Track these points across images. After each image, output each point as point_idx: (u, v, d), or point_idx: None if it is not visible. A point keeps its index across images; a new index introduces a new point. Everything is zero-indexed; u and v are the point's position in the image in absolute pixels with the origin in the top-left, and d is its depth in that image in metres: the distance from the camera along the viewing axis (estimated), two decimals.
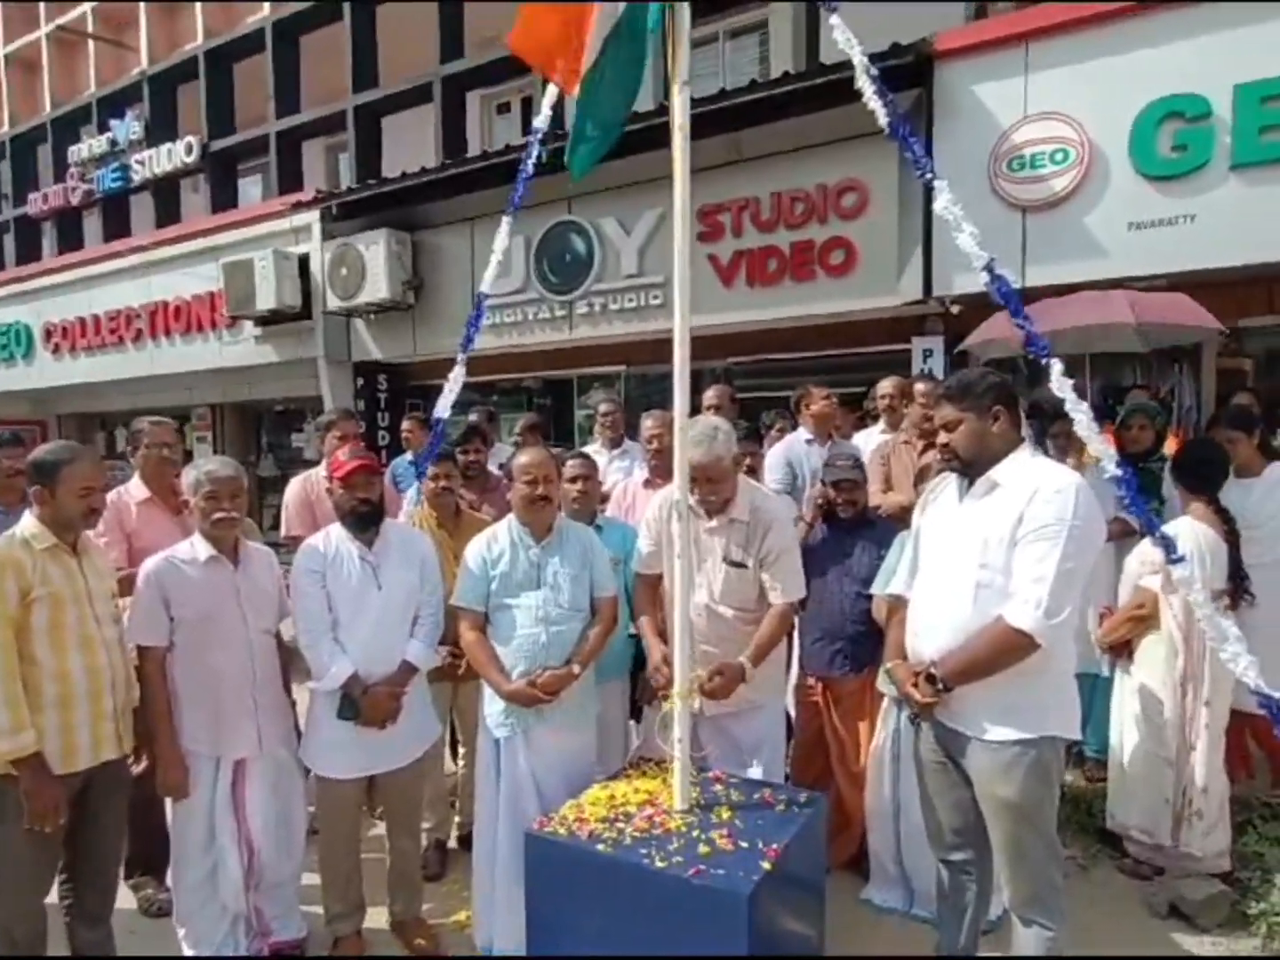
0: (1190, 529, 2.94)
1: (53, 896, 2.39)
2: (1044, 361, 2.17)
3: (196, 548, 2.55)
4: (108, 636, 2.37)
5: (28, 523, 2.29)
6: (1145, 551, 3.00)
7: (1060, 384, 2.13)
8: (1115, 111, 4.71)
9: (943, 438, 2.14)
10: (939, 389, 2.20)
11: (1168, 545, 2.25)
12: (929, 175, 2.25)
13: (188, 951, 2.56)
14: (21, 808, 2.17)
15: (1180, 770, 2.94)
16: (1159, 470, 3.91)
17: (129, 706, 2.45)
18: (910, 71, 5.11)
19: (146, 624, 2.48)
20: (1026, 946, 2.12)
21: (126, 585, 2.61)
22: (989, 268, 2.20)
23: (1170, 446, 4.14)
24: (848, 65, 2.37)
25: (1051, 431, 3.70)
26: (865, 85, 2.28)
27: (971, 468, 2.12)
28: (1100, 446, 2.16)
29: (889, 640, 2.41)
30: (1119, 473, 2.15)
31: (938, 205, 2.23)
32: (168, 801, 2.61)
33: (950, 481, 2.28)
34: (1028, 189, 4.95)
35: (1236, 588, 3.11)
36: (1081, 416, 2.12)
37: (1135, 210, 4.72)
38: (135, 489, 3.11)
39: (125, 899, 2.92)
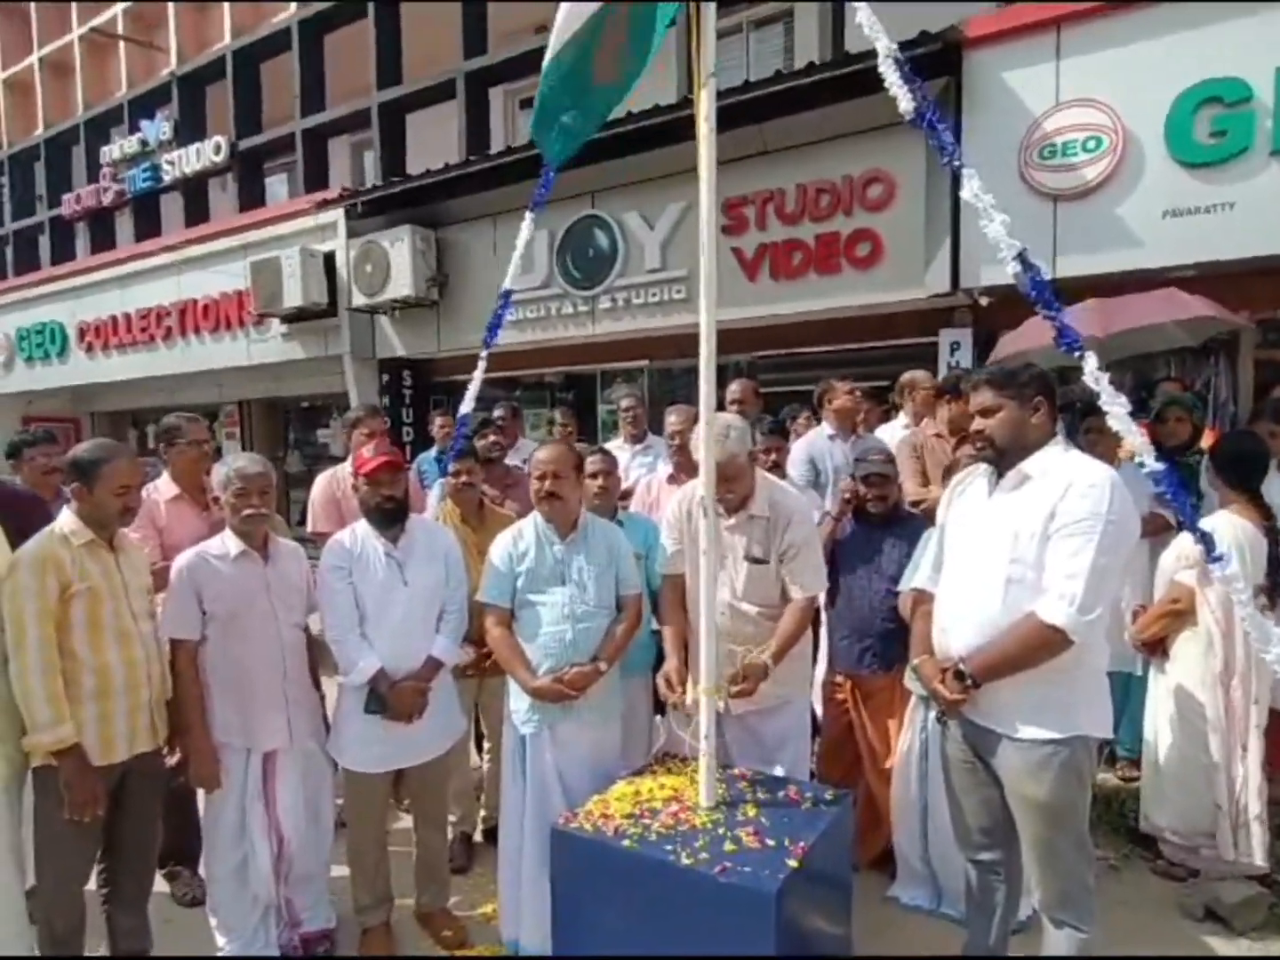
0: (1229, 523, 2.87)
1: (91, 884, 2.45)
2: (1077, 355, 2.12)
3: (227, 543, 2.59)
4: (144, 631, 2.42)
5: (66, 519, 2.34)
6: (1182, 547, 2.93)
7: (1095, 377, 2.08)
8: (1151, 97, 4.60)
9: (978, 423, 2.11)
10: (981, 374, 2.17)
11: (1208, 542, 2.19)
12: (956, 161, 2.20)
13: (219, 940, 2.61)
14: (62, 798, 2.22)
15: (1230, 773, 2.85)
16: (1196, 465, 3.82)
17: (163, 699, 2.50)
18: (938, 60, 5.03)
19: (180, 618, 2.52)
20: (1058, 948, 2.09)
21: (161, 579, 2.66)
22: (1020, 257, 2.15)
23: (1207, 441, 4.04)
24: (874, 54, 2.32)
25: (1084, 427, 3.64)
26: (888, 71, 2.24)
27: (1004, 457, 2.09)
28: (1138, 441, 2.11)
29: (914, 635, 2.38)
30: (1158, 467, 2.09)
31: (965, 192, 2.18)
32: (200, 793, 2.65)
33: (977, 476, 2.25)
34: (1059, 178, 4.86)
35: (1275, 584, 3.03)
36: (1118, 410, 2.07)
37: (1171, 198, 4.61)
38: (165, 486, 3.15)
39: (160, 888, 2.97)
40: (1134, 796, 3.26)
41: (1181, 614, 2.98)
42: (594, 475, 3.03)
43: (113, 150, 12.28)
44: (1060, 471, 1.99)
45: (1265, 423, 3.37)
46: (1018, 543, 2.00)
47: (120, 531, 2.46)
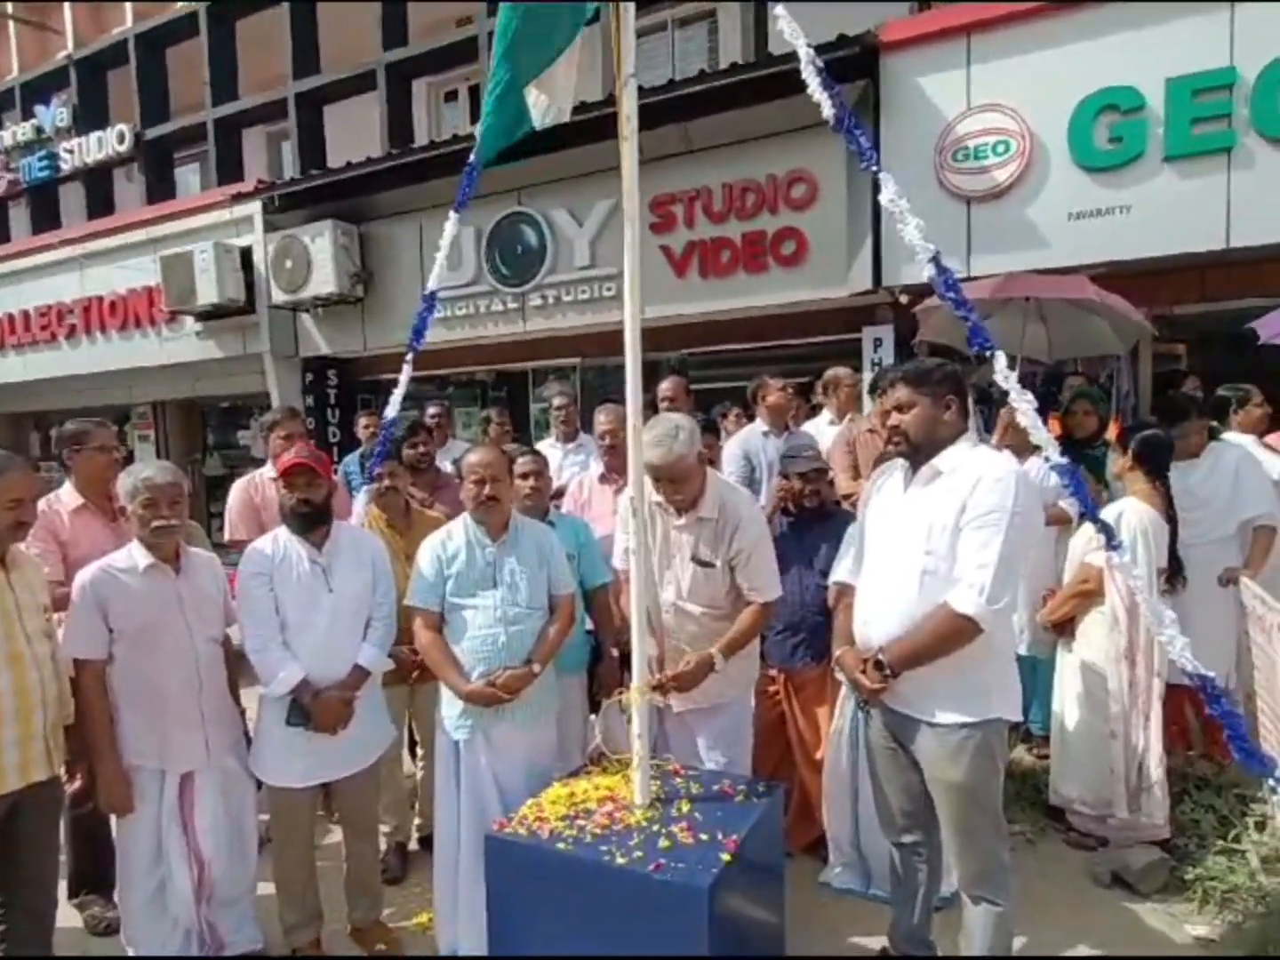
0: (1135, 509, 3.06)
1: None
2: (988, 354, 2.21)
3: (135, 556, 2.46)
4: (38, 653, 2.27)
5: None
6: (1090, 531, 3.10)
7: (1004, 375, 2.18)
8: (1054, 103, 4.83)
9: (894, 419, 2.18)
10: (896, 371, 2.24)
11: (1107, 531, 2.32)
12: (874, 168, 2.26)
13: None
14: None
15: (1130, 742, 3.03)
16: (1102, 455, 4.05)
17: (60, 724, 2.36)
18: (857, 63, 5.16)
19: (83, 637, 2.39)
20: (976, 922, 2.19)
21: (63, 601, 2.51)
22: (935, 259, 2.23)
23: (1111, 432, 4.27)
24: (794, 56, 2.37)
25: (1000, 420, 3.81)
26: (810, 77, 2.28)
27: (918, 452, 2.16)
28: (1043, 435, 2.22)
29: (836, 627, 2.45)
30: (1062, 461, 2.21)
31: (883, 198, 2.24)
32: (113, 818, 2.52)
33: (894, 471, 2.32)
34: (971, 180, 5.05)
35: (1175, 568, 3.24)
36: (1025, 406, 2.17)
37: (1074, 201, 4.85)
38: (67, 496, 2.96)
39: (71, 919, 2.83)
40: (1047, 772, 3.43)
41: (1090, 594, 3.15)
42: (525, 475, 2.99)
43: (4, 137, 11.51)
44: (969, 466, 2.06)
45: (1195, 420, 3.61)
46: (931, 535, 2.07)
47: (14, 548, 2.31)
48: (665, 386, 4.31)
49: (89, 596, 2.39)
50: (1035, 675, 3.81)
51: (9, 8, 11.44)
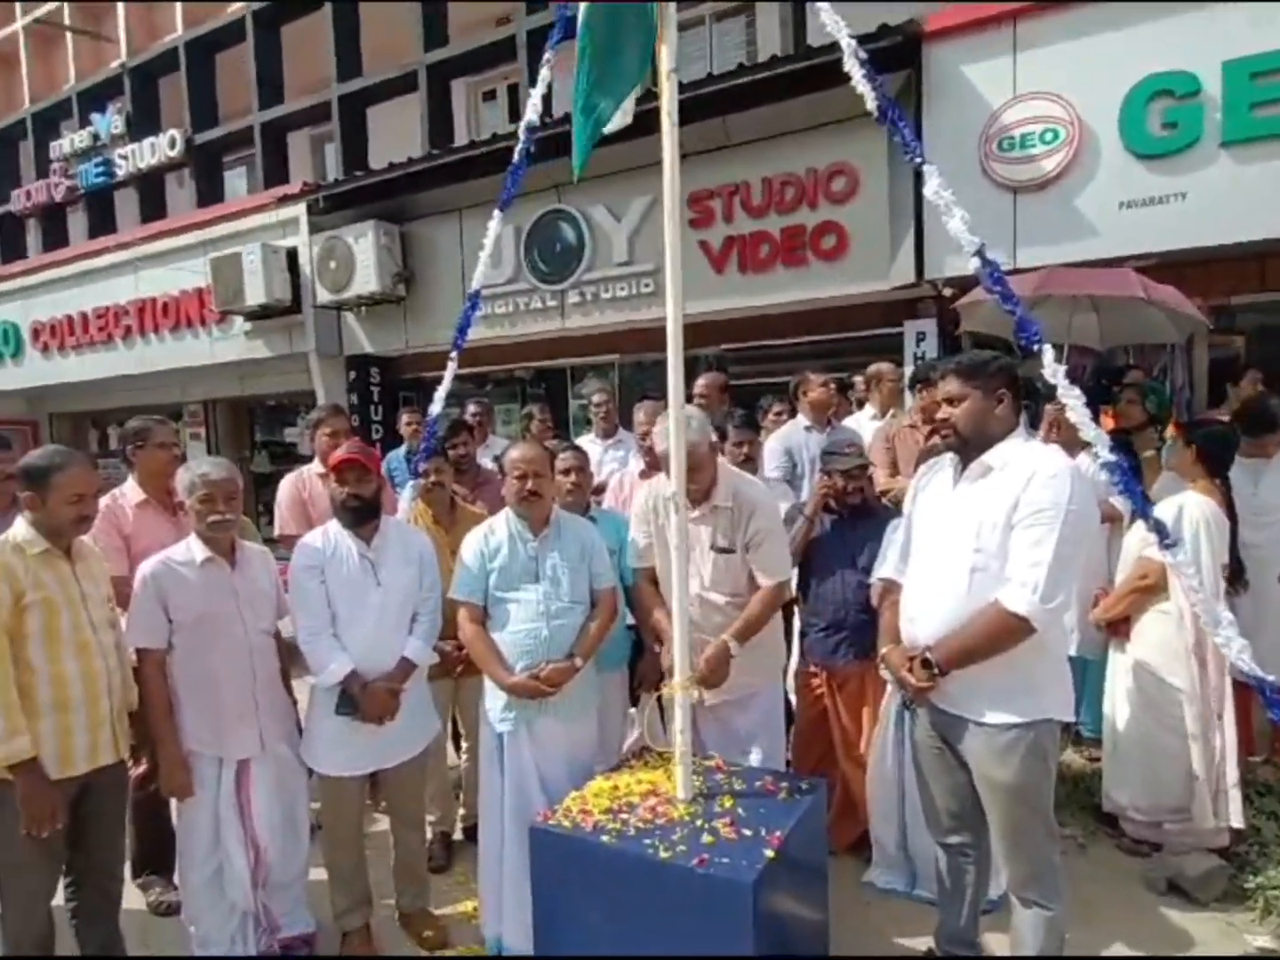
0: (1197, 503, 2.97)
1: (59, 899, 2.40)
2: (1035, 347, 2.17)
3: (193, 549, 2.54)
4: (104, 641, 2.36)
5: (20, 527, 2.28)
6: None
7: (1052, 370, 2.13)
8: (1105, 90, 4.70)
9: (944, 412, 2.14)
10: (949, 363, 2.20)
11: (1160, 529, 2.26)
12: (918, 159, 2.23)
13: (196, 950, 2.58)
14: (19, 814, 2.17)
15: (1207, 743, 2.93)
16: (1157, 451, 3.94)
17: (126, 710, 2.45)
18: (899, 53, 5.08)
19: (145, 626, 2.47)
20: (1026, 926, 2.15)
21: (122, 590, 2.60)
22: (980, 253, 2.20)
23: (1170, 429, 4.16)
24: (836, 47, 2.35)
25: (1047, 419, 3.73)
26: (853, 68, 2.26)
27: (967, 446, 2.13)
28: (1093, 432, 2.17)
29: (882, 625, 2.42)
30: (1112, 459, 2.15)
31: (927, 190, 2.22)
32: (173, 802, 2.62)
33: (942, 467, 2.29)
34: (1018, 169, 4.94)
35: (1237, 566, 3.14)
36: (1074, 401, 2.12)
37: (1126, 189, 4.71)
38: (130, 491, 3.06)
39: (135, 899, 2.94)
40: (1099, 776, 3.35)
41: (1150, 590, 3.04)
42: (566, 472, 3.03)
43: (63, 145, 11.92)
44: (1022, 462, 2.02)
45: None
46: (981, 532, 2.03)
47: (79, 540, 2.40)
48: (700, 384, 4.29)
49: (150, 588, 2.47)
50: (1085, 676, 3.72)
51: (65, 18, 11.83)
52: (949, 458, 2.24)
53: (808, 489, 3.95)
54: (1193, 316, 4.11)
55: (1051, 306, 4.25)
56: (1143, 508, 2.25)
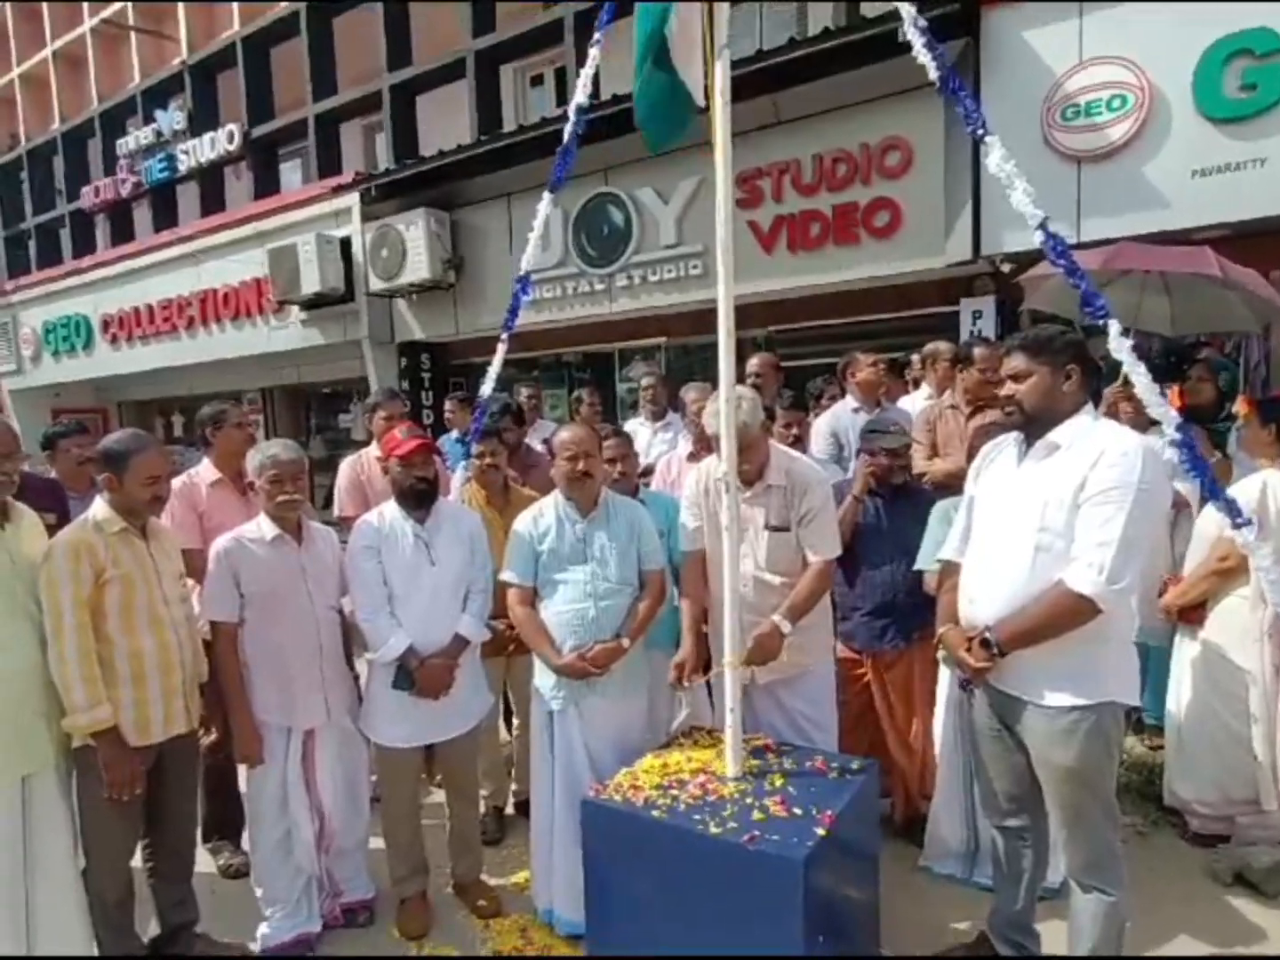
0: (1279, 478, 2.84)
1: (136, 859, 2.54)
2: (1101, 322, 2.09)
3: (263, 527, 2.63)
4: (176, 616, 2.48)
5: (99, 507, 2.40)
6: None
7: (1118, 345, 2.06)
8: (1177, 52, 4.48)
9: (1009, 388, 2.08)
10: (1015, 339, 2.14)
11: (1232, 508, 2.17)
12: (980, 131, 2.17)
13: (265, 909, 2.70)
14: (102, 778, 2.30)
15: (1272, 725, 2.82)
16: (1225, 431, 3.77)
17: (197, 682, 2.57)
18: (956, 20, 4.91)
19: (219, 600, 2.58)
20: (1086, 912, 2.11)
21: (194, 563, 2.71)
22: (1044, 226, 2.12)
23: (1240, 407, 3.96)
24: (890, 18, 2.29)
25: (1105, 396, 3.59)
26: (913, 36, 2.19)
27: (1032, 424, 2.07)
28: (1160, 409, 2.08)
29: (941, 605, 2.37)
30: (1177, 436, 2.07)
31: (990, 163, 2.15)
32: (242, 770, 2.73)
33: (1006, 446, 2.23)
34: (1082, 138, 4.76)
35: None
36: (1141, 379, 2.04)
37: (1199, 156, 4.50)
38: (206, 471, 3.19)
39: (205, 862, 3.08)
40: (1160, 763, 3.25)
41: (1230, 573, 2.90)
42: (611, 460, 3.04)
43: (128, 142, 12.37)
44: (1091, 440, 1.97)
45: None
46: (1047, 511, 1.98)
47: (152, 519, 2.52)
48: (753, 364, 4.26)
49: (223, 563, 2.57)
50: (1147, 662, 3.60)
51: (130, 18, 12.22)
52: (1013, 436, 2.18)
53: (854, 471, 3.90)
54: (1272, 301, 3.88)
55: (1120, 288, 4.06)
56: (1212, 487, 2.16)
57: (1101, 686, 2.01)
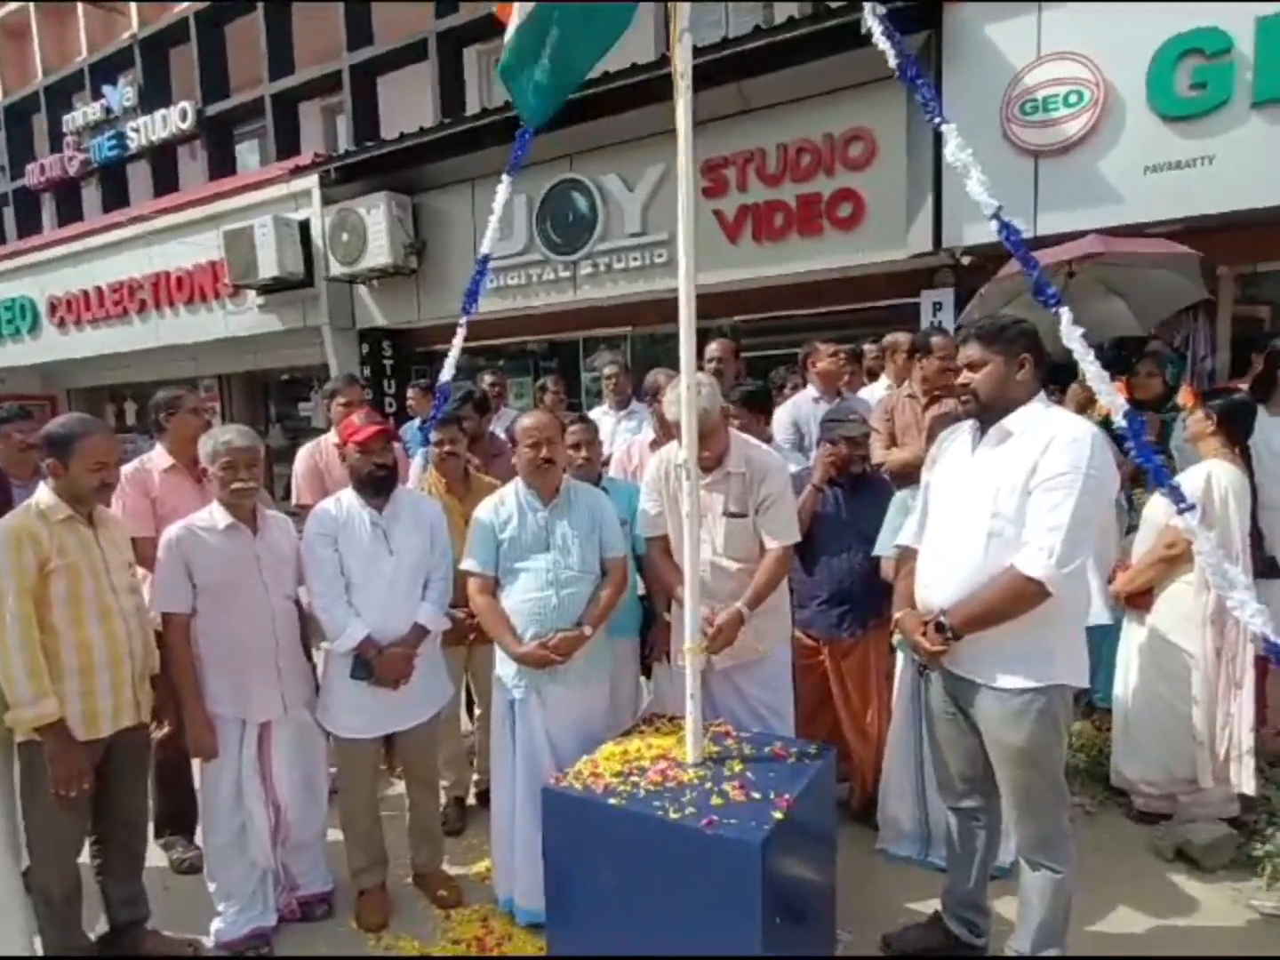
0: (1223, 469, 2.94)
1: (85, 857, 2.47)
2: (1053, 311, 2.13)
3: (215, 516, 2.57)
4: (125, 606, 2.41)
5: (43, 495, 2.32)
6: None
7: (1069, 333, 2.10)
8: (1131, 49, 4.57)
9: (964, 377, 2.13)
10: (970, 328, 2.18)
11: (1176, 494, 2.23)
12: (938, 119, 2.19)
13: (219, 905, 2.65)
14: (48, 773, 2.23)
15: (1216, 709, 2.93)
16: (1170, 421, 3.88)
17: (147, 674, 2.50)
18: (919, 13, 4.95)
19: (170, 591, 2.51)
20: (1034, 889, 2.17)
21: (148, 552, 2.64)
22: (997, 215, 2.16)
23: (1185, 397, 4.08)
24: (854, 8, 2.29)
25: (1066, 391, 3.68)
26: (873, 24, 2.20)
27: (987, 412, 2.11)
28: (1109, 398, 2.14)
29: (897, 591, 2.42)
30: (1124, 424, 2.13)
31: (947, 151, 2.17)
32: (195, 763, 2.68)
33: (961, 434, 2.27)
34: (1040, 133, 4.83)
35: (1257, 534, 3.10)
36: (1091, 368, 2.09)
37: (1152, 152, 4.60)
38: (159, 458, 3.11)
39: (157, 857, 3.02)
40: (1109, 745, 3.35)
41: (1177, 559, 3.01)
42: (576, 446, 3.02)
43: (76, 118, 11.92)
44: (1042, 427, 2.01)
45: None
46: (999, 497, 2.02)
47: (99, 507, 2.44)
48: (713, 349, 4.26)
49: (174, 553, 2.51)
50: (1100, 644, 3.70)
51: None
52: (968, 424, 2.22)
53: (814, 460, 3.93)
54: (1188, 254, 3.95)
55: (1076, 303, 4.13)
56: (1159, 474, 2.23)
57: (1052, 669, 2.06)
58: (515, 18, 2.38)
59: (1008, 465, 2.03)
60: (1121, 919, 2.64)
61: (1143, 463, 2.23)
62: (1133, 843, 3.05)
